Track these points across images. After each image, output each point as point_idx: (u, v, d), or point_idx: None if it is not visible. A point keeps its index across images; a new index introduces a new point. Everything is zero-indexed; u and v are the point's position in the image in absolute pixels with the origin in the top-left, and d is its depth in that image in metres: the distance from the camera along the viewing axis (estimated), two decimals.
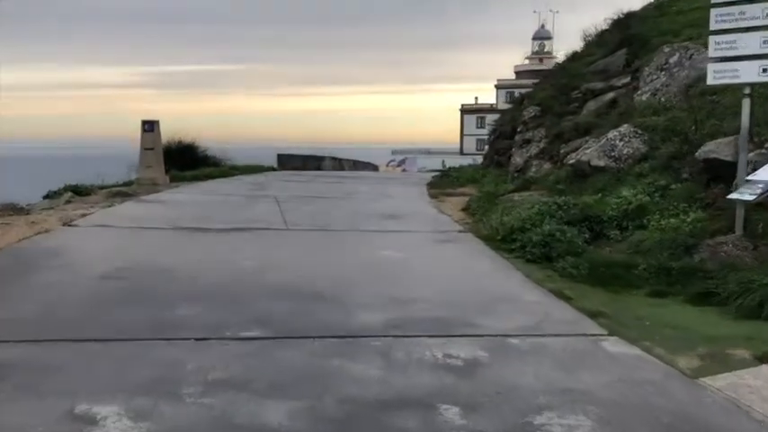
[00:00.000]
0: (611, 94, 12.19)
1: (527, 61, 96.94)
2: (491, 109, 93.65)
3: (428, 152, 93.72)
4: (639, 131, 9.29)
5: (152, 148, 14.00)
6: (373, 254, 7.13)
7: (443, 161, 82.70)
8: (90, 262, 6.28)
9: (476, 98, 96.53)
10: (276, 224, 8.88)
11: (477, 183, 16.51)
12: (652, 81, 10.98)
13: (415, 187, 16.08)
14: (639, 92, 11.12)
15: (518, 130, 13.68)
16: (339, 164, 31.45)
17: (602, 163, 9.24)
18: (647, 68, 11.31)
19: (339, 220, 9.50)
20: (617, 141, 9.32)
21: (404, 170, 50.26)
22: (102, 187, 14.14)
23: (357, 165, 35.09)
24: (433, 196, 13.54)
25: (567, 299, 5.44)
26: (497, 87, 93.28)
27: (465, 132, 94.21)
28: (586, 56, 14.84)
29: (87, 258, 6.52)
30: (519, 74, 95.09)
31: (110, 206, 10.07)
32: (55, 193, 12.55)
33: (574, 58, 15.55)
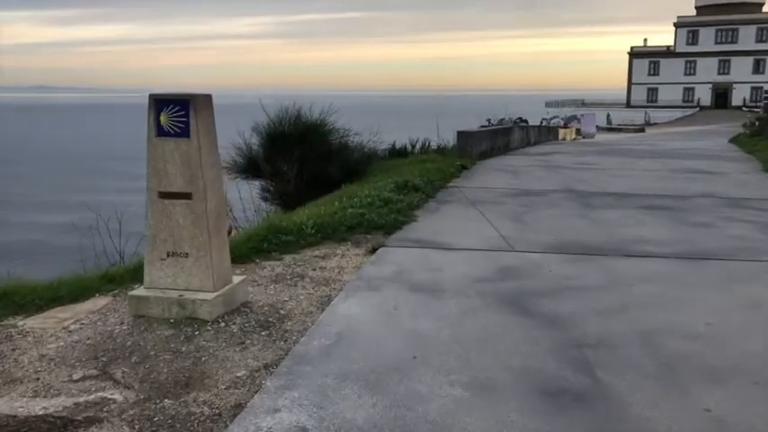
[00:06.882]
0: None
1: None
2: (668, 52, 77.97)
3: (582, 103, 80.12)
4: None
5: (188, 195, 4.17)
6: None
7: (608, 115, 69.26)
8: None
9: (644, 40, 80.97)
10: None
11: None
12: None
13: None
14: None
15: None
16: (526, 134, 22.98)
17: None
18: None
19: None
20: None
21: (579, 132, 38.43)
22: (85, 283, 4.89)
23: (541, 132, 27.15)
24: None
25: None
26: (677, 26, 77.11)
27: (634, 81, 79.21)
28: None
29: None
30: (701, 9, 78.46)
31: None
32: None
33: None
